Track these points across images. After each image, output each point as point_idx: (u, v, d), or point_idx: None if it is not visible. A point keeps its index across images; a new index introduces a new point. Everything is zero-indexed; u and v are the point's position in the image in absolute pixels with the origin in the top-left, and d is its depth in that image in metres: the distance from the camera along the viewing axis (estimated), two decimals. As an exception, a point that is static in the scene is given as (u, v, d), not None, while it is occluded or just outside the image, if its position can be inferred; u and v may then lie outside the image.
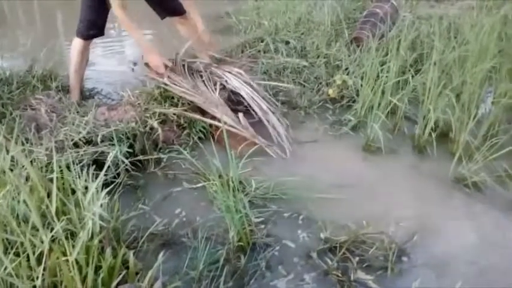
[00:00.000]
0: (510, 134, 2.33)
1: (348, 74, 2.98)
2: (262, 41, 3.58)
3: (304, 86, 2.99)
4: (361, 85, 2.67)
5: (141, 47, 2.65)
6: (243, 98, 2.54)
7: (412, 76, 2.64)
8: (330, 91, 2.85)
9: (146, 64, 2.60)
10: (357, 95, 2.76)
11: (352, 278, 1.59)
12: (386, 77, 2.48)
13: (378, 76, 2.56)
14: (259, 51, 3.45)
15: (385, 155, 2.31)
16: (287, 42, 3.53)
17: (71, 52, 2.69)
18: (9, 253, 1.24)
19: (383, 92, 2.47)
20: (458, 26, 3.41)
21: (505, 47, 2.98)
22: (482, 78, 2.54)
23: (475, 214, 1.97)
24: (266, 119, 2.43)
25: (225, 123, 2.28)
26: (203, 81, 2.62)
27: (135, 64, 2.85)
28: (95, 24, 2.60)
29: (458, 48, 2.83)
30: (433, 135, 2.31)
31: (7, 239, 1.30)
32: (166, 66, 2.56)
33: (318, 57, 3.29)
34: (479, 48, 2.61)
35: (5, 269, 1.18)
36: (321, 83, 3.00)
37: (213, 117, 2.41)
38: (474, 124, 2.27)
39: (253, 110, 2.48)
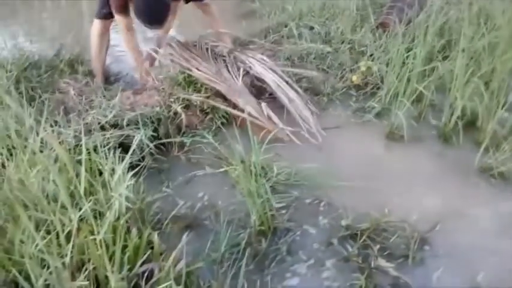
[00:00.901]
0: (540, 124, 2.27)
1: (372, 60, 2.93)
2: (285, 26, 3.55)
3: (327, 72, 2.96)
4: (386, 72, 2.63)
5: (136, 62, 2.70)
6: (268, 85, 2.53)
7: (440, 63, 2.58)
8: (354, 77, 2.81)
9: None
10: (382, 82, 2.71)
11: (372, 265, 1.59)
12: (413, 63, 2.43)
13: (403, 63, 2.51)
14: (282, 36, 3.42)
15: (409, 143, 2.28)
16: (311, 28, 3.49)
17: (91, 35, 2.73)
18: (40, 231, 1.29)
19: (409, 79, 2.42)
20: (488, 11, 3.29)
21: (538, 33, 2.87)
22: (513, 65, 2.46)
23: (500, 204, 1.93)
24: (292, 106, 2.42)
25: (248, 113, 2.28)
26: (226, 66, 2.62)
27: (156, 50, 2.86)
28: (106, 3, 2.59)
29: (488, 34, 2.74)
30: (460, 123, 2.27)
31: (38, 218, 1.35)
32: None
33: (343, 43, 3.24)
34: (510, 34, 2.52)
35: (37, 245, 1.23)
36: (344, 69, 2.96)
37: (236, 105, 2.42)
38: (502, 113, 2.21)
39: (279, 97, 2.47)
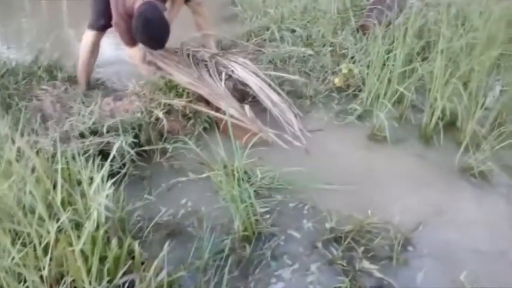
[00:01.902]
0: (518, 123, 2.31)
1: (354, 63, 2.95)
2: (267, 30, 3.55)
3: (309, 75, 2.97)
4: (367, 74, 2.64)
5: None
6: (251, 88, 2.53)
7: (419, 64, 2.61)
8: (336, 80, 2.82)
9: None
10: (363, 84, 2.73)
11: (357, 267, 1.60)
12: (393, 65, 2.45)
13: (384, 64, 2.53)
14: (264, 39, 3.42)
15: (391, 144, 2.29)
16: (293, 31, 3.49)
17: (81, 45, 2.68)
18: (16, 244, 1.25)
19: (389, 81, 2.44)
20: (466, 13, 3.35)
21: (514, 34, 2.93)
22: (490, 66, 2.50)
23: (481, 203, 1.96)
24: (275, 109, 2.42)
25: (231, 116, 2.27)
26: (208, 70, 2.61)
27: None
28: (104, 14, 2.54)
29: (466, 35, 2.78)
30: (440, 124, 2.29)
31: (14, 230, 1.31)
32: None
33: (324, 45, 3.25)
34: (487, 35, 2.57)
35: (13, 259, 1.19)
36: (326, 72, 2.97)
37: (219, 109, 2.40)
38: (481, 113, 2.24)
39: (262, 100, 2.47)
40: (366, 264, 1.61)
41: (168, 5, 2.61)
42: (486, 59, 2.43)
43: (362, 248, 1.66)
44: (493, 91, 2.62)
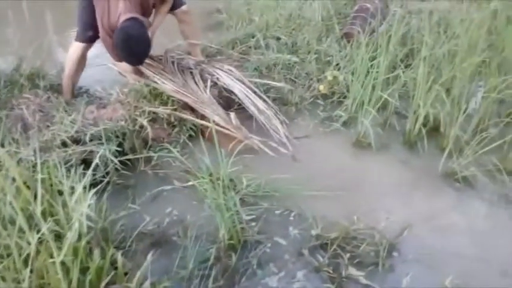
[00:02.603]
0: (500, 128, 2.34)
1: (338, 70, 2.97)
2: (253, 37, 3.55)
3: (295, 82, 2.98)
4: (352, 81, 2.67)
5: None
6: (236, 96, 2.52)
7: (403, 71, 2.64)
8: (321, 87, 2.84)
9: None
10: (348, 91, 2.75)
11: (343, 274, 1.60)
12: (377, 72, 2.48)
13: (368, 71, 2.56)
14: (250, 47, 3.42)
15: (375, 151, 2.31)
16: (278, 38, 3.51)
17: (67, 56, 2.64)
18: (-5, 256, 1.22)
19: (373, 87, 2.46)
20: (448, 20, 3.41)
21: (494, 41, 2.99)
22: (472, 72, 2.54)
23: (465, 208, 1.99)
24: (261, 116, 2.42)
25: (216, 124, 2.26)
26: (193, 78, 2.60)
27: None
28: (91, 26, 2.49)
29: (448, 42, 2.83)
30: (424, 130, 2.32)
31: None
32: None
33: (309, 53, 3.27)
34: (468, 42, 2.61)
35: (-9, 272, 1.16)
36: (311, 79, 2.98)
37: (204, 116, 2.39)
38: (464, 119, 2.27)
39: (247, 107, 2.46)
40: (352, 270, 1.61)
41: (152, 16, 2.61)
42: (468, 66, 2.47)
43: (348, 255, 1.67)
44: (475, 97, 2.66)
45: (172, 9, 2.76)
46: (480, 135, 2.22)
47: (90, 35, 2.56)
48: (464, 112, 2.28)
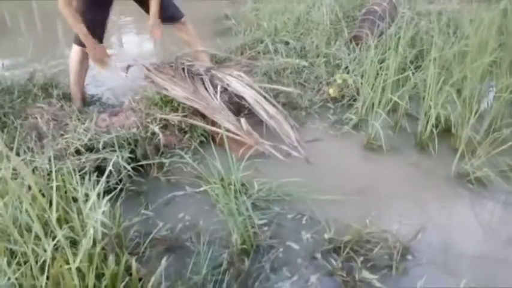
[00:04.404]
0: (512, 128, 2.32)
1: (348, 73, 2.97)
2: (261, 42, 3.58)
3: (304, 86, 2.99)
4: (361, 83, 2.66)
5: (83, 40, 2.52)
6: (246, 101, 2.53)
7: (413, 73, 2.64)
8: (331, 90, 2.84)
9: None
10: (358, 94, 2.75)
11: (357, 277, 1.58)
12: (386, 74, 2.47)
13: (377, 74, 2.56)
14: (258, 52, 3.45)
15: (386, 153, 2.30)
16: (286, 43, 3.53)
17: (70, 61, 2.69)
18: (12, 263, 1.24)
19: (383, 90, 2.46)
20: (457, 21, 3.40)
21: (505, 41, 2.96)
22: (483, 72, 2.52)
23: (479, 209, 1.96)
24: (272, 120, 2.42)
25: (227, 130, 2.27)
26: (203, 84, 2.62)
27: (128, 68, 2.83)
28: (92, 31, 2.53)
29: (458, 43, 2.82)
30: (435, 131, 2.30)
31: (10, 249, 1.30)
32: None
33: (318, 56, 3.28)
34: (478, 42, 2.60)
35: (9, 279, 1.18)
36: (321, 83, 3.00)
37: (215, 122, 2.41)
38: (476, 119, 2.26)
39: (257, 113, 2.47)
40: (366, 274, 1.60)
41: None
42: (478, 66, 2.45)
43: (361, 258, 1.66)
44: (486, 97, 2.64)
45: (173, 21, 2.81)
46: (493, 136, 2.20)
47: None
48: (476, 113, 2.26)
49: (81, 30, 2.46)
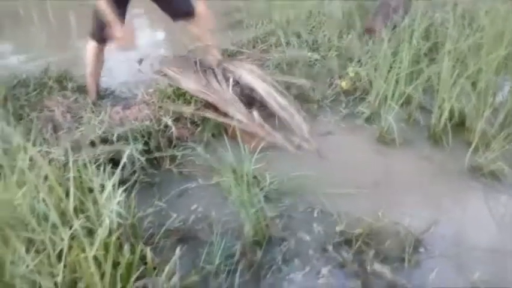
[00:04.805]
0: (528, 122, 2.29)
1: (360, 66, 2.95)
2: (273, 35, 3.57)
3: (316, 79, 2.97)
4: (374, 76, 2.65)
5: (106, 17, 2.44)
6: (258, 94, 2.54)
7: (427, 65, 2.61)
8: (343, 83, 2.83)
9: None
10: (370, 87, 2.73)
11: (368, 270, 1.59)
12: (399, 67, 2.45)
13: (391, 67, 2.54)
14: (270, 45, 3.44)
15: (399, 146, 2.29)
16: (298, 36, 3.51)
17: (86, 55, 2.71)
18: (30, 251, 1.27)
19: (397, 82, 2.44)
20: (472, 12, 3.34)
21: (521, 33, 2.91)
22: (498, 65, 2.49)
23: (492, 203, 1.95)
24: (284, 113, 2.42)
25: (239, 122, 2.28)
26: (215, 77, 2.63)
27: (141, 61, 2.85)
28: (105, 27, 2.57)
29: (473, 35, 2.78)
30: (449, 124, 2.28)
31: (28, 238, 1.33)
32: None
33: (330, 49, 3.26)
34: (494, 34, 2.56)
35: (27, 266, 1.21)
36: (333, 76, 2.98)
37: (227, 115, 2.42)
38: (491, 112, 2.23)
39: (270, 105, 2.48)
40: (378, 266, 1.60)
41: None
42: (494, 59, 2.42)
43: (373, 251, 1.66)
44: (501, 90, 2.60)
45: (185, 17, 2.76)
46: (507, 129, 2.17)
47: (103, 36, 2.58)
48: (490, 106, 2.23)
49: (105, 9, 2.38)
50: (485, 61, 2.43)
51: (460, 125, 2.37)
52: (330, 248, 1.70)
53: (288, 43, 3.36)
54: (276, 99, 2.49)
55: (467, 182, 2.06)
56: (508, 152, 2.11)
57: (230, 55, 3.27)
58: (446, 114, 2.29)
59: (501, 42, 2.51)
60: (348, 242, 1.71)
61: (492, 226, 1.82)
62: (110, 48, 2.66)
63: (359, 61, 3.05)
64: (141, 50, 3.58)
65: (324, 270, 1.61)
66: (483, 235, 1.77)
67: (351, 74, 2.84)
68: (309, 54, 3.17)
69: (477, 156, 2.13)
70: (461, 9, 3.34)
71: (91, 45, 2.66)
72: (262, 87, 2.53)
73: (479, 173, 2.08)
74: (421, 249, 1.68)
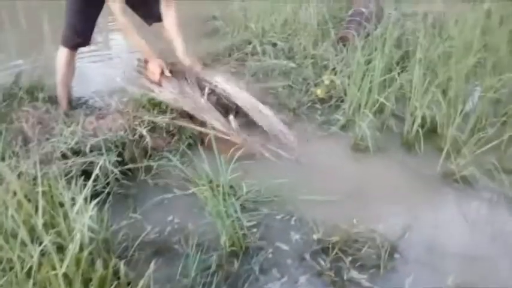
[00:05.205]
0: (497, 127, 2.35)
1: (335, 74, 2.99)
2: (249, 44, 3.59)
3: (292, 87, 3.00)
4: (348, 84, 2.68)
5: (142, 52, 2.58)
6: (235, 102, 2.53)
7: (399, 74, 2.66)
8: (318, 91, 2.86)
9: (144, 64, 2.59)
10: (345, 95, 2.77)
11: (345, 277, 1.60)
12: (373, 75, 2.50)
13: (364, 75, 2.58)
14: (246, 54, 3.46)
15: (373, 153, 2.32)
16: (274, 44, 3.54)
17: (56, 62, 2.65)
18: (-3, 269, 1.23)
19: (370, 91, 2.48)
20: (442, 22, 3.44)
21: (489, 42, 3.01)
22: (468, 73, 2.56)
23: (465, 208, 2.00)
24: (263, 121, 2.42)
25: (215, 129, 2.27)
26: (190, 85, 2.61)
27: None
28: (82, 33, 2.52)
29: (443, 44, 2.85)
30: (421, 131, 2.33)
31: (-4, 255, 1.29)
32: (162, 74, 2.53)
33: (306, 58, 3.30)
34: (463, 43, 2.64)
35: (-6, 285, 1.17)
36: (309, 84, 3.01)
37: (203, 124, 2.40)
38: (461, 119, 2.29)
39: (248, 113, 2.47)
40: (354, 274, 1.61)
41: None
42: (463, 67, 2.49)
43: (350, 258, 1.67)
44: (471, 97, 2.68)
45: (160, 20, 2.74)
46: (478, 135, 2.23)
47: (78, 41, 2.56)
48: (461, 112, 2.29)
49: (139, 42, 2.47)
50: (455, 69, 2.50)
51: (432, 131, 2.43)
52: (308, 256, 1.70)
53: (264, 51, 3.38)
54: (254, 107, 2.48)
55: (440, 188, 2.11)
56: (478, 157, 2.17)
57: (206, 64, 3.26)
58: (418, 121, 2.34)
59: (470, 51, 2.59)
60: (325, 250, 1.72)
61: (465, 231, 1.86)
62: (81, 55, 2.61)
63: (334, 69, 3.09)
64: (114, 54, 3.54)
65: (302, 279, 1.62)
66: (456, 240, 1.80)
67: (326, 82, 2.87)
68: (285, 62, 3.20)
69: (449, 162, 2.18)
70: (432, 19, 3.43)
71: (62, 52, 2.60)
72: (238, 96, 2.53)
73: (451, 178, 2.13)
74: (397, 255, 1.70)
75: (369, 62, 2.67)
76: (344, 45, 3.34)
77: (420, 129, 2.34)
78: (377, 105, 2.48)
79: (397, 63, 2.88)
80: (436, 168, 2.18)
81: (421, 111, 2.32)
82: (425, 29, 3.10)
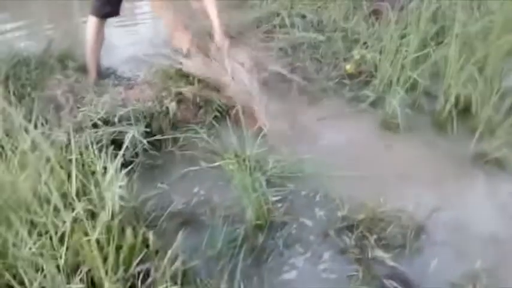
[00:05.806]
0: (534, 109, 2.26)
1: (366, 48, 2.90)
2: (277, 15, 3.50)
3: (321, 61, 2.93)
4: (380, 60, 2.60)
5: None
6: (259, 75, 2.50)
7: (433, 50, 2.56)
8: (348, 66, 2.79)
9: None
10: (376, 70, 2.69)
11: (369, 256, 1.59)
12: (406, 51, 2.41)
13: (397, 50, 2.49)
14: (274, 26, 3.38)
15: (403, 132, 2.27)
16: (303, 16, 3.44)
17: (86, 32, 2.67)
18: (32, 234, 1.27)
19: (402, 67, 2.40)
20: (482, -5, 3.27)
21: (532, 17, 2.85)
22: (507, 50, 2.44)
23: (495, 191, 1.95)
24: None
25: (242, 104, 2.25)
26: (219, 58, 2.58)
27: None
28: (112, 2, 2.53)
29: (482, 19, 2.72)
30: (454, 111, 2.26)
31: (31, 220, 1.33)
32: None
33: (336, 31, 3.20)
34: (504, 18, 2.50)
35: (30, 249, 1.21)
36: (338, 58, 2.93)
37: (230, 97, 2.39)
38: (498, 98, 2.20)
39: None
40: (379, 252, 1.61)
41: None
42: (503, 44, 2.37)
43: (375, 237, 1.66)
44: (509, 76, 2.56)
45: None
46: (514, 116, 2.15)
47: (107, 11, 2.57)
48: (497, 92, 2.20)
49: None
50: (493, 46, 2.39)
51: (465, 111, 2.34)
52: (332, 233, 1.70)
53: (292, 24, 3.30)
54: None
55: (471, 169, 2.06)
56: (513, 138, 2.09)
57: (233, 36, 3.21)
58: (452, 100, 2.26)
59: (511, 27, 2.46)
60: (350, 228, 1.71)
61: (494, 214, 1.82)
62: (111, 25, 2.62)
63: (365, 43, 2.99)
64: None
65: (326, 255, 1.62)
66: (485, 223, 1.77)
67: (357, 57, 2.79)
68: (314, 35, 3.11)
69: (482, 143, 2.11)
70: (471, -8, 3.26)
71: (92, 21, 2.62)
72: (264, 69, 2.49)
73: (483, 160, 2.07)
74: (423, 236, 1.69)
75: (402, 36, 2.57)
76: (376, 19, 3.23)
77: (453, 108, 2.26)
78: (409, 82, 2.40)
79: (432, 39, 2.77)
80: (468, 149, 2.11)
81: (455, 90, 2.24)
82: (463, 3, 2.96)
